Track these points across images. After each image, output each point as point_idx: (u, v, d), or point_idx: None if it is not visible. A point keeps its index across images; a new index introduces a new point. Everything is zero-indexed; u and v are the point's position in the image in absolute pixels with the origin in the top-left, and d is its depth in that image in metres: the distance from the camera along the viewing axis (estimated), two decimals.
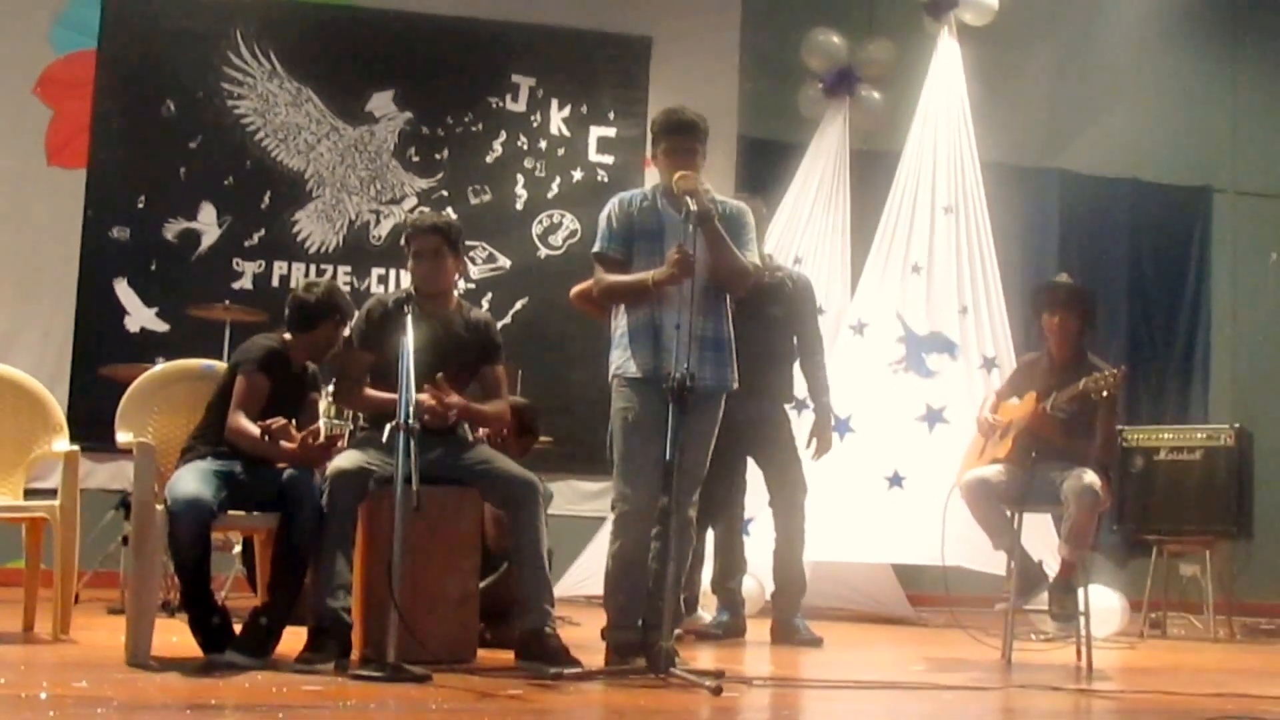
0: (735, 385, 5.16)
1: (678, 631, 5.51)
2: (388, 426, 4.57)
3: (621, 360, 5.02)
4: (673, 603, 4.75)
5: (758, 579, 7.62)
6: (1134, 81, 10.21)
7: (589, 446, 8.67)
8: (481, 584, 5.20)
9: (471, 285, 9.00)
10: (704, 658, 5.57)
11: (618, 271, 5.07)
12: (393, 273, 8.87)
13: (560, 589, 6.68)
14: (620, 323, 5.08)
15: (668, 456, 4.60)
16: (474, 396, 5.18)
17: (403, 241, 5.28)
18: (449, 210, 8.96)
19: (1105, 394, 5.58)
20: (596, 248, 5.15)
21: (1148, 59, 10.21)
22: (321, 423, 5.56)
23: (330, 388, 6.30)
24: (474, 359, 5.22)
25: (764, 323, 6.47)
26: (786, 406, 6.69)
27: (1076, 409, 5.74)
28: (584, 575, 7.88)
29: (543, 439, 7.43)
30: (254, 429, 4.84)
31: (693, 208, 4.83)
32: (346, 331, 5.19)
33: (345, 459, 4.87)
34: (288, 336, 5.12)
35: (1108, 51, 10.09)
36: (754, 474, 6.76)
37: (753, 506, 7.48)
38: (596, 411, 8.39)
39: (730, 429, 6.46)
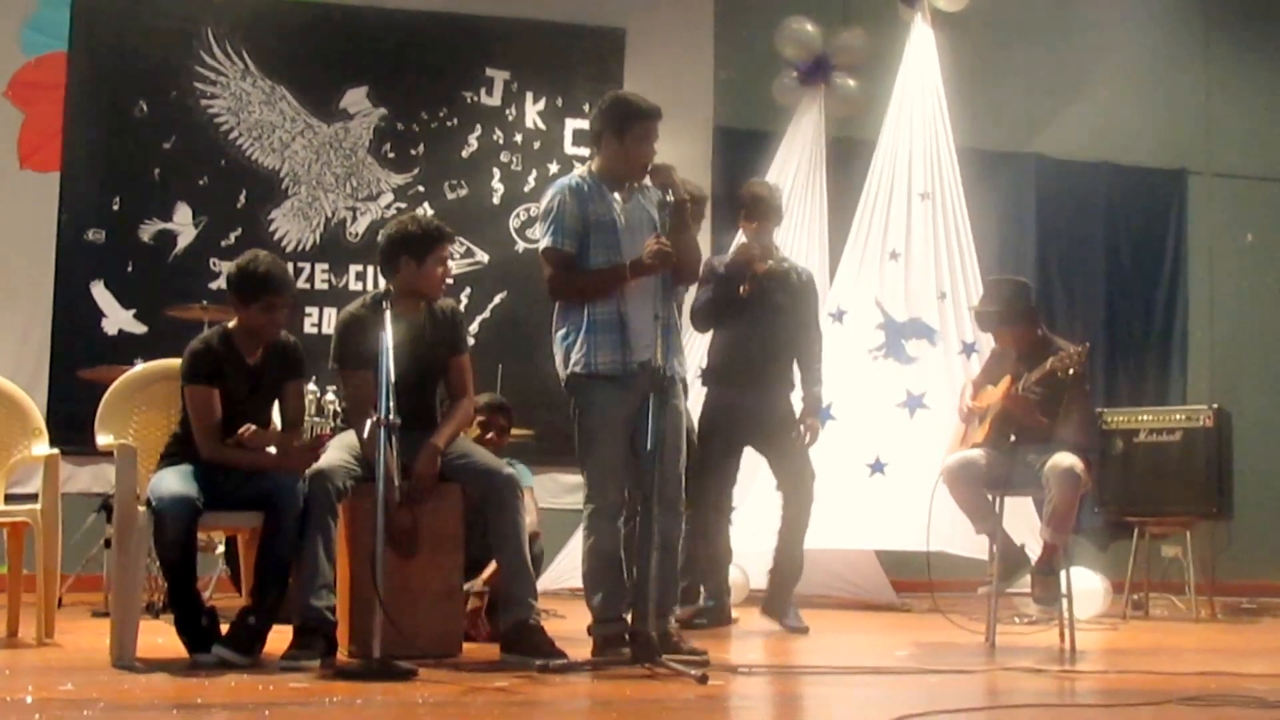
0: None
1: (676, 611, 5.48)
2: (367, 423, 4.57)
3: (583, 357, 4.92)
4: (659, 592, 4.75)
5: (742, 568, 7.63)
6: (1108, 65, 10.23)
7: (570, 439, 8.64)
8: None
9: (450, 281, 8.95)
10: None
11: (570, 266, 4.97)
12: (370, 270, 8.84)
13: (543, 582, 6.68)
14: (575, 317, 4.97)
15: (649, 446, 4.62)
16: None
17: (408, 241, 5.08)
18: (425, 206, 8.97)
19: (1072, 371, 5.63)
20: (548, 243, 4.97)
21: (1122, 43, 10.24)
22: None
23: (312, 386, 6.30)
24: (445, 353, 5.19)
25: (770, 312, 6.53)
26: (792, 394, 6.73)
27: (1047, 389, 5.77)
28: (567, 568, 7.88)
29: (523, 432, 7.45)
30: (228, 452, 4.80)
31: (668, 199, 4.84)
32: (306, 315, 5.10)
33: (323, 458, 4.87)
34: (231, 324, 5.03)
35: (1082, 35, 10.13)
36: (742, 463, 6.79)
37: (736, 496, 7.49)
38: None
39: (734, 417, 6.55)
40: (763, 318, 6.53)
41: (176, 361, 5.23)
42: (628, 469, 4.94)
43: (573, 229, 4.96)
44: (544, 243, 5.00)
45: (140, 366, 5.61)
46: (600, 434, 4.94)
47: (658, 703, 4.06)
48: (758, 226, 6.66)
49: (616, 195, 5.02)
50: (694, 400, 6.74)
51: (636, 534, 4.88)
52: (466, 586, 5.46)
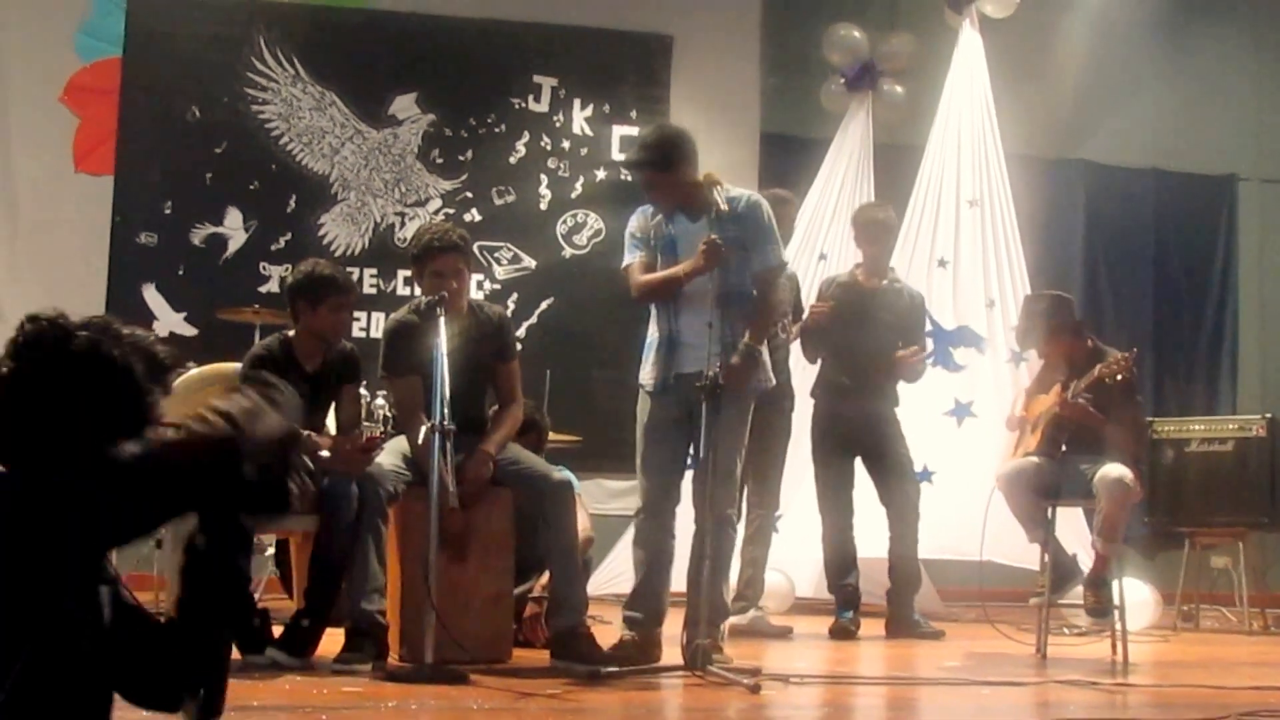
0: (771, 384, 5.21)
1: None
2: (422, 429, 4.59)
3: (643, 373, 5.16)
4: (711, 599, 4.76)
5: (787, 575, 7.62)
6: (1156, 70, 10.17)
7: (616, 445, 8.64)
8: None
9: (497, 286, 9.02)
10: (742, 655, 5.57)
11: (641, 273, 5.12)
12: None
13: (590, 588, 6.67)
14: (649, 332, 5.17)
15: (702, 454, 4.67)
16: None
17: (414, 255, 5.13)
18: (473, 212, 9.01)
19: (1120, 378, 5.62)
20: (626, 261, 5.16)
21: (1170, 47, 10.17)
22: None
23: (361, 391, 6.31)
24: (491, 359, 5.22)
25: (875, 328, 6.75)
26: (896, 409, 6.85)
27: (1096, 396, 5.75)
28: (614, 574, 7.88)
29: (570, 437, 7.47)
30: None
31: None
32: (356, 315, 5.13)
33: (376, 461, 4.90)
34: (290, 333, 5.08)
35: (1129, 41, 10.05)
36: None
37: (782, 504, 7.47)
38: (623, 410, 8.43)
39: (839, 427, 6.65)
40: (870, 334, 6.75)
41: (233, 365, 5.28)
42: (674, 474, 5.11)
43: (643, 241, 5.14)
44: (624, 263, 5.18)
45: (195, 370, 5.64)
46: (645, 440, 5.13)
47: (709, 711, 4.06)
48: (870, 248, 6.95)
49: (685, 216, 5.10)
50: (804, 411, 6.90)
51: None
52: (524, 590, 5.49)
